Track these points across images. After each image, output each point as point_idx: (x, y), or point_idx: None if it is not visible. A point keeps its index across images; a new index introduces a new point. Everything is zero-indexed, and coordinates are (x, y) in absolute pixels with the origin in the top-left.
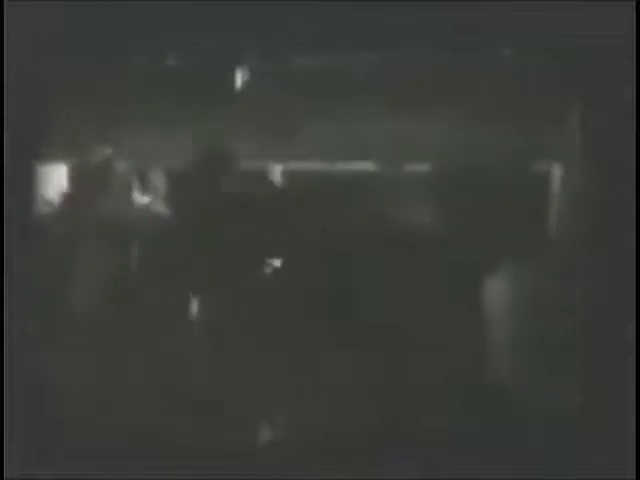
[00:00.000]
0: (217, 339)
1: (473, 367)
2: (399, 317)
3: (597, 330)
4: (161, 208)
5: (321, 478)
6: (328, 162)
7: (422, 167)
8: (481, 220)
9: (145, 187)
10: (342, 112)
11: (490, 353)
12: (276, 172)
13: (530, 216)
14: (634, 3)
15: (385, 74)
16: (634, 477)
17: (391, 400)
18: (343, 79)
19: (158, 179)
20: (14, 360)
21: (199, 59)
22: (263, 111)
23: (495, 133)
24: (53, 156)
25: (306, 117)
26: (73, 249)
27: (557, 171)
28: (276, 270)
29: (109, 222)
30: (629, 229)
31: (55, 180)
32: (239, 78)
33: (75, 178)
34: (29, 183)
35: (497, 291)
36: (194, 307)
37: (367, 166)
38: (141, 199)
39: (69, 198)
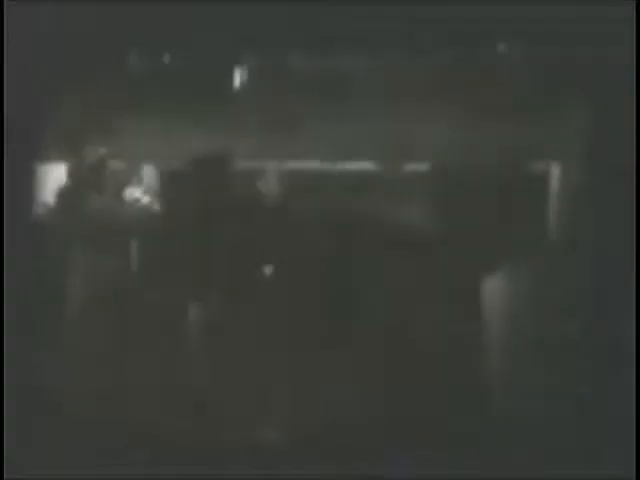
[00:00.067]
0: (217, 339)
1: (473, 367)
2: (399, 317)
3: (597, 330)
4: (157, 209)
5: (321, 478)
6: (327, 162)
7: (421, 167)
8: (481, 220)
9: (141, 188)
10: (341, 112)
11: (490, 353)
12: (275, 172)
13: (530, 216)
14: (634, 3)
15: (385, 74)
16: (634, 477)
17: (391, 400)
18: (342, 79)
19: (155, 180)
20: (14, 360)
21: (198, 59)
22: (262, 111)
23: (494, 133)
24: (52, 156)
25: (305, 117)
26: (69, 249)
27: (557, 171)
28: (275, 270)
29: (102, 222)
30: (629, 229)
31: (53, 180)
32: (238, 78)
33: (69, 178)
34: (28, 183)
35: (497, 291)
36: (194, 307)
37: (365, 166)
38: (136, 199)
39: (63, 198)
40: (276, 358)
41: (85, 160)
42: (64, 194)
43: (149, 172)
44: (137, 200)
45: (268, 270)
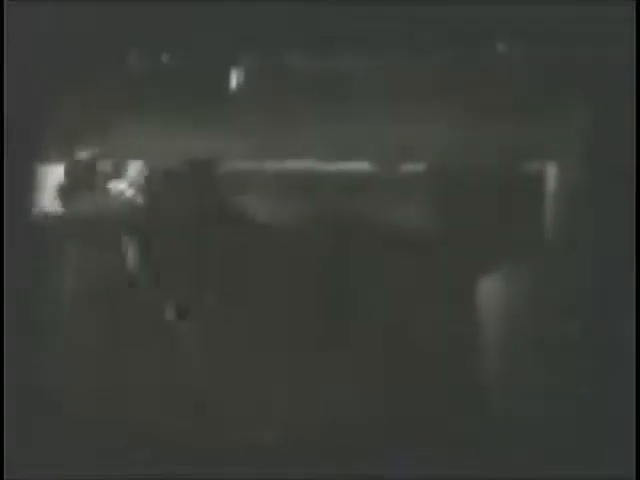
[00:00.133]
0: (216, 339)
1: (473, 367)
2: (399, 317)
3: (597, 330)
4: (141, 203)
5: (321, 478)
6: (327, 162)
7: (421, 167)
8: (480, 220)
9: (126, 181)
10: (341, 112)
11: (490, 353)
12: (275, 172)
13: (529, 216)
14: (634, 3)
15: (385, 74)
16: (634, 477)
17: (391, 400)
18: (342, 79)
19: (143, 175)
20: (14, 360)
21: (198, 59)
22: (261, 111)
23: (494, 133)
24: (52, 156)
25: (305, 117)
26: (69, 249)
27: (557, 171)
28: (274, 270)
29: (98, 220)
30: (629, 229)
31: (53, 180)
32: (237, 78)
33: (67, 177)
34: (28, 183)
35: (496, 291)
36: (194, 307)
37: (365, 166)
38: (121, 192)
39: (62, 197)
40: (276, 358)
41: (83, 159)
42: (62, 193)
43: (138, 167)
44: (121, 193)
45: (267, 271)
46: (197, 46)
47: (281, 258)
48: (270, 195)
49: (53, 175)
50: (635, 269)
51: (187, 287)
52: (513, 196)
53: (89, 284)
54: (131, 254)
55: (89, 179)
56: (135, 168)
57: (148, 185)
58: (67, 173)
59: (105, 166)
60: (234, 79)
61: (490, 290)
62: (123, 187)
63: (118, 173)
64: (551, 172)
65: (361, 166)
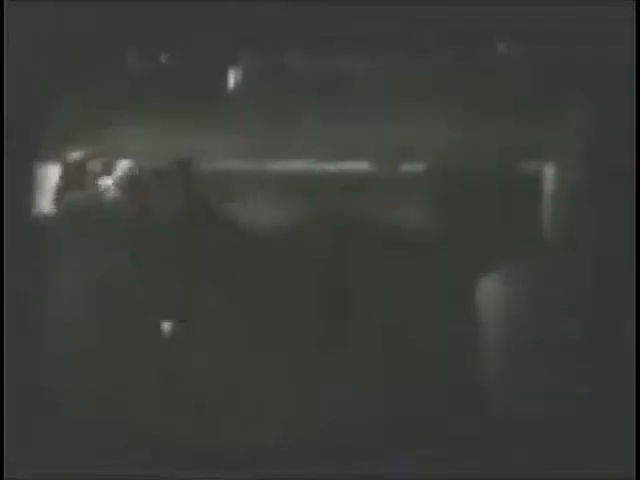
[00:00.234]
0: (216, 339)
1: (473, 367)
2: (399, 318)
3: (597, 330)
4: (150, 209)
5: (321, 478)
6: (327, 162)
7: (421, 167)
8: (480, 220)
9: (133, 188)
10: (341, 112)
11: (490, 353)
12: (273, 172)
13: (529, 216)
14: (634, 3)
15: (385, 74)
16: (634, 477)
17: (391, 400)
18: (342, 79)
19: (148, 180)
20: (14, 360)
21: (198, 59)
22: (261, 111)
23: (494, 133)
24: (52, 156)
25: (304, 117)
26: (68, 248)
27: (556, 171)
28: (274, 271)
29: (93, 222)
30: (629, 229)
31: (53, 180)
32: (236, 78)
33: (66, 177)
34: (28, 183)
35: (496, 291)
36: (193, 307)
37: (365, 166)
38: (107, 188)
39: (60, 197)
40: (276, 358)
41: (83, 159)
42: (62, 193)
43: (138, 167)
44: (121, 193)
45: (267, 270)
46: (197, 46)
47: (281, 258)
48: (270, 195)
49: (53, 175)
50: (635, 269)
51: (187, 288)
52: (513, 196)
53: (89, 284)
54: (131, 254)
55: (88, 179)
56: (135, 168)
57: (148, 185)
58: (67, 173)
59: (105, 166)
60: (234, 79)
61: (490, 290)
62: (122, 187)
63: (118, 173)
64: (551, 172)
65: (361, 166)
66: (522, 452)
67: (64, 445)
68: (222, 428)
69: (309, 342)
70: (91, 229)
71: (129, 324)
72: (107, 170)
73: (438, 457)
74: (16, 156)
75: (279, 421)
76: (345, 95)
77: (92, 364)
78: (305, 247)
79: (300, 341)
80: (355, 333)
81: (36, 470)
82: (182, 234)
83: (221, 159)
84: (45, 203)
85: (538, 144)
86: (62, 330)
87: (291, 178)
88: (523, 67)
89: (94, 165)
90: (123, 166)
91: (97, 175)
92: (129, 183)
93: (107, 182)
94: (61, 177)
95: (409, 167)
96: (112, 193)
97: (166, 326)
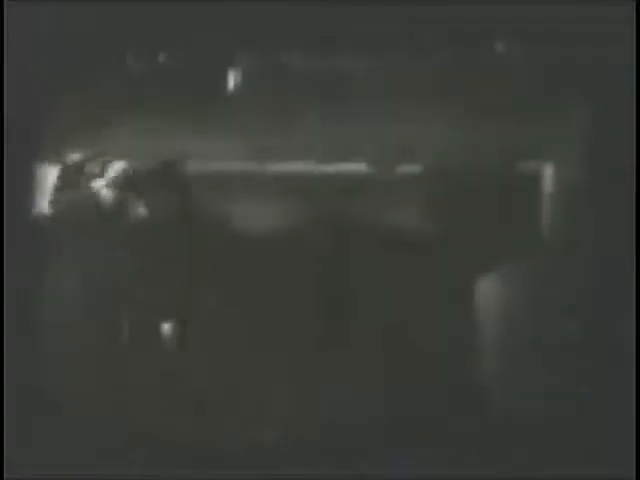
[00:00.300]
0: (216, 340)
1: (473, 367)
2: (399, 318)
3: (597, 330)
4: (151, 209)
5: (321, 478)
6: (327, 162)
7: (420, 167)
8: (480, 220)
9: (133, 188)
10: (341, 112)
11: (490, 353)
12: (272, 173)
13: (529, 216)
14: (634, 3)
15: (385, 74)
16: (634, 477)
17: (391, 400)
18: (342, 79)
19: (148, 180)
20: (14, 360)
21: (198, 59)
22: (260, 111)
23: (494, 133)
24: (52, 156)
25: (304, 117)
26: (67, 248)
27: (556, 171)
28: (274, 270)
29: (93, 222)
30: (629, 229)
31: (51, 180)
32: (236, 78)
33: (62, 178)
34: (28, 183)
35: (496, 291)
36: (193, 307)
37: (365, 166)
38: (99, 188)
39: (57, 197)
40: (276, 358)
41: (83, 159)
42: (61, 193)
43: (137, 167)
44: (121, 193)
45: (266, 271)
46: (197, 46)
47: (281, 258)
48: (269, 195)
49: (53, 175)
50: (635, 269)
51: (188, 288)
52: (513, 196)
53: (89, 284)
54: (131, 255)
55: (88, 179)
56: (134, 168)
57: (147, 185)
58: (66, 173)
59: (104, 166)
60: (234, 79)
61: (490, 290)
62: (122, 187)
63: (117, 173)
64: (551, 172)
65: (361, 166)
66: (522, 452)
67: (64, 445)
68: (222, 428)
69: (309, 342)
70: (91, 229)
71: (129, 324)
72: (107, 170)
73: (438, 457)
74: (16, 156)
75: (279, 421)
76: (345, 95)
77: (92, 364)
78: (305, 247)
79: (300, 341)
80: (355, 333)
81: (36, 470)
82: (182, 235)
83: (220, 159)
84: (45, 203)
85: (538, 144)
86: (62, 330)
87: (291, 178)
88: (523, 67)
89: (94, 165)
90: (123, 166)
91: (97, 175)
92: (129, 183)
93: (107, 182)
94: (61, 177)
95: (409, 167)
96: (112, 193)
97: (166, 326)
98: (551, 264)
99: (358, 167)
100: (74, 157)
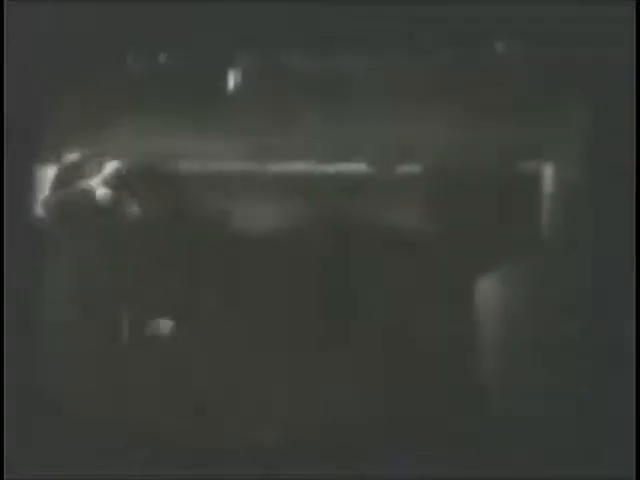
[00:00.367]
0: (216, 340)
1: (473, 367)
2: (398, 318)
3: (597, 330)
4: (151, 209)
5: (321, 478)
6: (326, 162)
7: (420, 167)
8: (480, 221)
9: (133, 188)
10: (341, 112)
11: (490, 353)
12: (272, 173)
13: (529, 216)
14: (634, 3)
15: (385, 74)
16: (634, 477)
17: (391, 400)
18: (342, 79)
19: (148, 180)
20: (14, 360)
21: (198, 59)
22: (260, 111)
23: (494, 133)
24: (52, 156)
25: (304, 117)
26: (67, 248)
27: (556, 171)
28: (274, 270)
29: (93, 222)
30: (629, 229)
31: (50, 181)
32: (236, 78)
33: (62, 178)
34: (28, 183)
35: (496, 291)
36: (193, 307)
37: (364, 166)
38: (92, 189)
39: (57, 197)
40: (276, 358)
41: (83, 159)
42: (60, 193)
43: (137, 167)
44: (120, 193)
45: (266, 271)
46: (197, 46)
47: (280, 258)
48: (269, 195)
49: (53, 175)
50: (635, 269)
51: (187, 288)
52: (513, 196)
53: (89, 284)
54: (131, 255)
55: (88, 179)
56: (134, 168)
57: (148, 185)
58: (66, 173)
59: (104, 166)
60: (234, 79)
61: (490, 290)
62: (122, 187)
63: (117, 173)
64: (551, 172)
65: (361, 166)
66: (522, 452)
67: (64, 445)
68: (222, 428)
69: (309, 342)
70: (91, 229)
71: (129, 324)
72: (107, 170)
73: (438, 457)
74: (16, 156)
75: (279, 421)
76: (345, 95)
77: (92, 364)
78: (305, 247)
79: (300, 341)
80: (355, 333)
81: (36, 470)
82: (182, 235)
83: (220, 159)
84: (45, 203)
85: (538, 144)
86: (62, 330)
87: (291, 178)
88: (523, 67)
89: (94, 165)
90: (123, 166)
91: (97, 175)
92: (129, 183)
93: (107, 182)
94: (61, 177)
95: (409, 167)
96: (112, 193)
97: (166, 326)
98: (551, 264)
99: (358, 167)
100: (74, 157)
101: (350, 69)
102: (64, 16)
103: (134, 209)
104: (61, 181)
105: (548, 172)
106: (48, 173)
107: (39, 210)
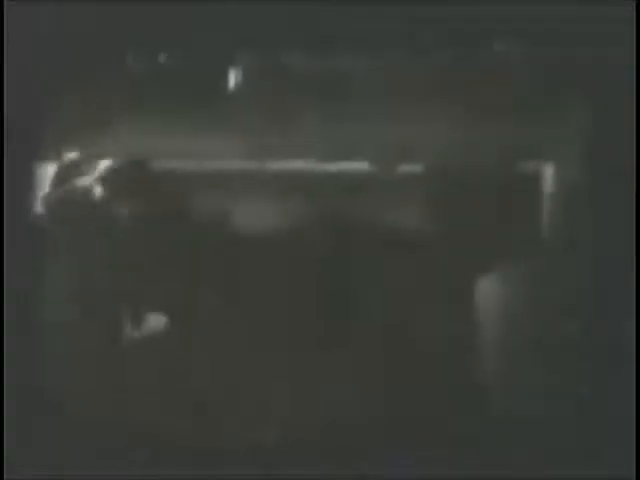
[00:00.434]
0: (216, 340)
1: (473, 367)
2: (399, 318)
3: (597, 330)
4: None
5: (321, 478)
6: (326, 162)
7: (420, 167)
8: (480, 221)
9: (133, 188)
10: (341, 112)
11: (490, 353)
12: (272, 172)
13: (529, 216)
14: (634, 3)
15: (385, 74)
16: (634, 477)
17: (391, 400)
18: (342, 79)
19: (148, 180)
20: (14, 360)
21: (198, 59)
22: (260, 111)
23: (494, 133)
24: (52, 156)
25: (304, 117)
26: (67, 248)
27: (556, 171)
28: (274, 270)
29: (93, 222)
30: (629, 229)
31: (50, 181)
32: (236, 78)
33: (62, 178)
34: (28, 183)
35: (496, 291)
36: (194, 307)
37: (364, 166)
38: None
39: (57, 196)
40: (276, 358)
41: (83, 159)
42: (60, 193)
43: (137, 167)
44: (120, 193)
45: (266, 271)
46: (197, 46)
47: (281, 258)
48: (269, 195)
49: (53, 175)
50: (635, 269)
51: (188, 288)
52: (513, 196)
53: (89, 284)
54: (131, 255)
55: (87, 179)
56: (134, 168)
57: (148, 185)
58: (66, 173)
59: (103, 166)
60: (234, 79)
61: (490, 290)
62: (122, 187)
63: (117, 173)
64: (551, 172)
65: (361, 166)
66: (522, 452)
67: (64, 445)
68: (222, 428)
69: (309, 342)
70: (91, 229)
71: (129, 324)
72: (106, 170)
73: (438, 457)
74: (16, 156)
75: (279, 421)
76: (345, 95)
77: (92, 364)
78: (305, 247)
79: (300, 341)
80: (355, 333)
81: (36, 470)
82: (183, 234)
83: (221, 158)
84: (45, 203)
85: (538, 144)
86: (62, 330)
87: (291, 177)
88: (523, 67)
89: (93, 165)
90: (123, 166)
91: (96, 175)
92: (129, 183)
93: (107, 182)
94: (60, 177)
95: (409, 167)
96: (112, 193)
97: (166, 326)
98: (551, 264)
99: (358, 167)
100: (74, 156)
101: (350, 69)
102: (64, 16)
103: (138, 209)
104: (61, 180)
105: (548, 172)
106: (48, 172)
107: (39, 208)
